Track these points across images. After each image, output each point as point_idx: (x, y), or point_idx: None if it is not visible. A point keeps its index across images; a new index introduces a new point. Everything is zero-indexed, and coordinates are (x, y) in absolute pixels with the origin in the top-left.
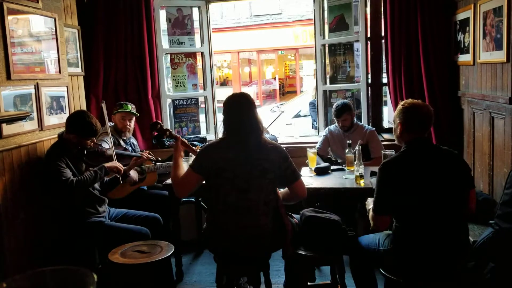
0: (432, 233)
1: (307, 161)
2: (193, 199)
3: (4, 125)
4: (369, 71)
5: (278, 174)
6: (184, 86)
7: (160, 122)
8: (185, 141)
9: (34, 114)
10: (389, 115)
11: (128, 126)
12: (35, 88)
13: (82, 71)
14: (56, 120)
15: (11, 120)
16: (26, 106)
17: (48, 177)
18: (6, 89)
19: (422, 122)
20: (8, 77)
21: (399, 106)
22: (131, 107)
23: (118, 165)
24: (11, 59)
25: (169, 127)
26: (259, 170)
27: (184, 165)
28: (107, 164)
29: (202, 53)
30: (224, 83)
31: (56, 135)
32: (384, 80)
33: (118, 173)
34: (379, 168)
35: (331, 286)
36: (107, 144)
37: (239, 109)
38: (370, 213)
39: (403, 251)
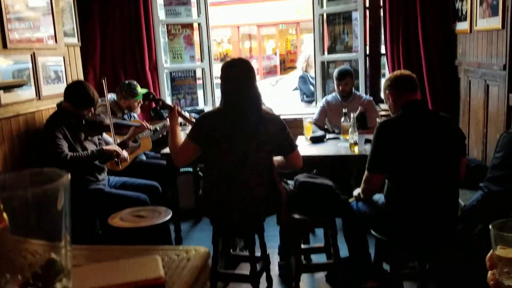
0: (424, 195)
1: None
2: (191, 169)
3: (2, 93)
4: (368, 41)
5: (275, 146)
6: (181, 57)
7: (153, 92)
8: (180, 110)
9: (32, 83)
10: None
11: (137, 107)
12: (31, 57)
13: (78, 41)
14: (54, 90)
15: (8, 87)
16: (23, 75)
17: (45, 148)
18: (3, 59)
19: (407, 81)
20: (4, 46)
21: (385, 81)
22: (142, 91)
23: (117, 149)
24: (7, 28)
25: (166, 99)
26: (257, 143)
27: (182, 134)
28: (106, 147)
29: (199, 24)
30: (224, 59)
31: (55, 105)
32: (383, 51)
33: (117, 156)
34: (376, 127)
35: (325, 249)
36: (104, 113)
37: (238, 78)
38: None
39: (394, 212)
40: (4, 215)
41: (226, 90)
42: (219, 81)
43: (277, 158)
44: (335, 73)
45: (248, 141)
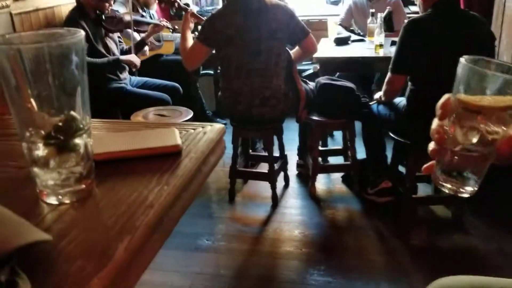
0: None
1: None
2: (212, 72)
3: None
4: None
5: (287, 32)
6: None
7: None
8: (195, 13)
9: None
10: None
11: (153, 3)
12: None
13: None
14: None
15: None
16: None
17: None
18: None
19: None
20: None
21: None
22: (160, 2)
23: (135, 59)
24: None
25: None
26: (268, 32)
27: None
28: (122, 57)
29: None
30: None
31: (74, 0)
32: None
33: (135, 67)
34: (403, 26)
35: (342, 151)
36: (125, 8)
37: None
38: (385, 80)
39: (415, 114)
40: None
41: None
42: None
43: (293, 51)
44: None
45: (259, 31)
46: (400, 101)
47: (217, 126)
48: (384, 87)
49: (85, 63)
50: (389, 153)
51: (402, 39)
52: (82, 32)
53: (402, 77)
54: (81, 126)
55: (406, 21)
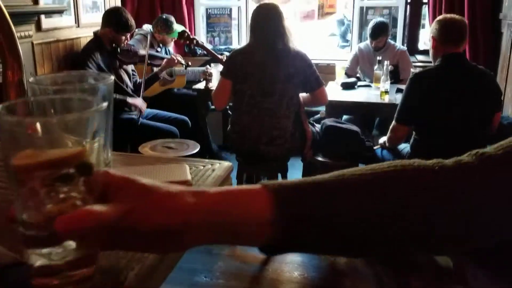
0: (451, 149)
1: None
2: None
3: (43, 18)
4: None
5: (302, 79)
6: None
7: (187, 30)
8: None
9: (72, 11)
10: (426, 37)
11: (170, 42)
12: None
13: None
14: (92, 19)
15: (48, 12)
16: (64, 2)
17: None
18: None
19: (457, 32)
20: None
21: (433, 22)
22: (177, 29)
23: (140, 105)
24: None
25: (201, 36)
26: (285, 75)
27: (214, 71)
28: (130, 100)
29: None
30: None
31: (92, 33)
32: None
33: (139, 112)
34: (410, 78)
35: None
36: (141, 45)
37: (266, 15)
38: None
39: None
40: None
41: (255, 27)
42: None
43: (303, 95)
44: (369, 28)
45: (277, 73)
46: (404, 147)
47: (225, 164)
48: (388, 134)
49: (112, 104)
50: None
51: (407, 92)
52: (112, 77)
53: (406, 127)
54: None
55: (413, 71)
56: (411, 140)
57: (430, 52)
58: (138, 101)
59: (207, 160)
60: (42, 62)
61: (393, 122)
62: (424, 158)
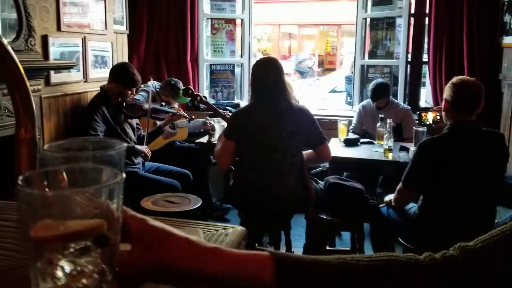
0: (459, 212)
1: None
2: None
3: (52, 73)
4: (410, 48)
5: (305, 136)
6: (222, 51)
7: (191, 87)
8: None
9: (80, 66)
10: (426, 95)
11: (174, 104)
12: (82, 41)
13: (126, 29)
14: (100, 74)
15: (58, 68)
16: (73, 57)
17: (82, 127)
18: (56, 40)
19: (472, 100)
20: (58, 28)
21: (449, 83)
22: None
23: (147, 151)
24: (62, 12)
25: (204, 91)
26: (287, 132)
27: (217, 126)
28: (137, 147)
29: (242, 20)
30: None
31: (99, 88)
32: (424, 59)
33: (144, 157)
34: (419, 144)
35: (350, 252)
36: (145, 98)
37: (265, 70)
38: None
39: (427, 225)
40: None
41: (256, 85)
42: None
43: (306, 152)
44: (369, 89)
45: (280, 130)
46: (411, 207)
47: (238, 229)
48: (395, 195)
49: (123, 166)
50: None
51: (416, 157)
52: (124, 144)
53: (412, 194)
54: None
55: (415, 128)
56: (419, 202)
57: (443, 112)
58: (144, 148)
59: (219, 224)
60: (49, 116)
61: (400, 185)
62: (432, 220)
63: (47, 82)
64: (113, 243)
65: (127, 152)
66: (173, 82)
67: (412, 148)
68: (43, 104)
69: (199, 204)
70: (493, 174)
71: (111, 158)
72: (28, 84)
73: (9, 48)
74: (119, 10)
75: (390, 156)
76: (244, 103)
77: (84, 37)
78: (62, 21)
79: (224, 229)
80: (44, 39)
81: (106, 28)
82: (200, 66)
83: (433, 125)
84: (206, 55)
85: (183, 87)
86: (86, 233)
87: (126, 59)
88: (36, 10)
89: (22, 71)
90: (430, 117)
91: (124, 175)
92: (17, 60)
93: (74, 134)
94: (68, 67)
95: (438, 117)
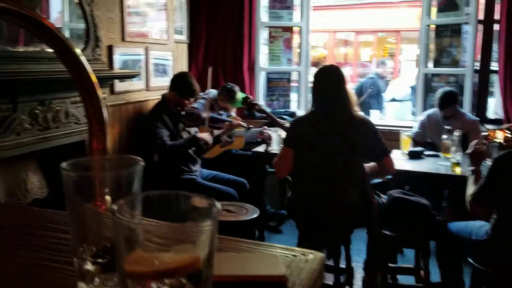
0: None
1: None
2: None
3: (116, 82)
4: (477, 56)
5: (367, 148)
6: (279, 60)
7: (250, 96)
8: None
9: (142, 75)
10: (495, 106)
11: (232, 110)
12: (145, 51)
13: (187, 39)
14: (161, 82)
15: (123, 77)
16: (136, 67)
17: (147, 135)
18: (120, 49)
19: None
20: (123, 38)
21: None
22: (240, 96)
23: (208, 138)
24: (126, 23)
25: (260, 100)
26: (349, 144)
27: (274, 135)
28: (199, 134)
29: (300, 28)
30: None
31: (160, 96)
32: (493, 67)
33: (206, 144)
34: (495, 159)
35: (414, 271)
36: (203, 106)
37: (329, 82)
38: (468, 198)
39: (499, 244)
40: (107, 197)
41: (317, 94)
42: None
43: (369, 165)
44: (436, 98)
45: (340, 142)
46: (483, 225)
47: (319, 255)
48: (467, 203)
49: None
50: (467, 279)
51: (491, 173)
52: (142, 163)
53: (483, 209)
54: None
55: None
56: (492, 220)
57: None
58: (207, 136)
59: (297, 249)
60: (112, 123)
61: (471, 198)
62: (505, 241)
63: (112, 91)
64: (205, 279)
65: (192, 142)
66: (229, 86)
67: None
68: (108, 112)
69: (257, 215)
70: None
71: (129, 176)
72: (100, 97)
73: (84, 59)
74: (179, 20)
75: (458, 171)
76: (301, 112)
77: (147, 46)
78: (127, 31)
79: (303, 254)
80: (109, 49)
81: (167, 38)
82: (256, 74)
83: (505, 143)
84: (263, 63)
85: (242, 94)
86: (182, 269)
87: (185, 68)
88: (103, 21)
89: (96, 82)
90: (499, 135)
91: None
92: (91, 70)
93: (136, 141)
94: (132, 76)
95: (510, 135)
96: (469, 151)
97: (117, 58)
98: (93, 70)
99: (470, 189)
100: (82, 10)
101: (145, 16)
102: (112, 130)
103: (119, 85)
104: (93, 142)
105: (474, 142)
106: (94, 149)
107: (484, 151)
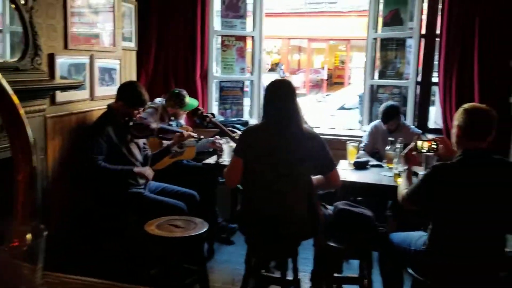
0: (469, 241)
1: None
2: None
3: (58, 92)
4: (419, 69)
5: (315, 163)
6: (232, 68)
7: (201, 108)
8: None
9: (87, 84)
10: (435, 116)
11: (182, 115)
12: (89, 59)
13: (135, 46)
14: (107, 92)
15: (64, 87)
16: (80, 75)
17: (84, 147)
18: (62, 58)
19: (483, 128)
20: (65, 46)
21: (460, 108)
22: (191, 103)
23: (148, 173)
24: (69, 29)
25: (213, 108)
26: (297, 157)
27: (225, 147)
28: (137, 169)
29: (252, 37)
30: (272, 69)
31: (106, 106)
32: (434, 80)
33: (147, 180)
34: (432, 166)
35: (358, 280)
36: (152, 118)
37: (280, 96)
38: (401, 192)
39: (436, 254)
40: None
41: (268, 107)
42: None
43: (316, 177)
44: (380, 111)
45: (288, 156)
46: (421, 236)
47: None
48: (400, 198)
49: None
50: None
51: (426, 178)
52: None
53: (413, 207)
54: None
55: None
56: (429, 231)
57: (452, 138)
58: (145, 169)
59: None
60: (53, 135)
61: (404, 195)
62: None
63: (52, 101)
64: None
65: (126, 175)
66: (176, 91)
67: (421, 172)
68: (47, 124)
69: (205, 229)
70: (503, 203)
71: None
72: (29, 133)
73: (9, 89)
74: (127, 26)
75: (399, 181)
76: (253, 120)
77: (92, 54)
78: (70, 39)
79: None
80: (51, 57)
81: (114, 45)
82: (209, 83)
83: (429, 153)
84: (216, 72)
85: (193, 103)
86: None
87: (134, 76)
88: (43, 28)
89: (27, 124)
90: (425, 146)
91: None
92: (17, 103)
93: (78, 154)
94: (75, 87)
95: (434, 146)
96: (403, 153)
97: (59, 67)
98: (31, 80)
99: (403, 184)
100: (20, 17)
101: (91, 22)
102: (52, 142)
103: (61, 95)
104: (20, 176)
105: (411, 145)
106: (19, 180)
107: (416, 156)
